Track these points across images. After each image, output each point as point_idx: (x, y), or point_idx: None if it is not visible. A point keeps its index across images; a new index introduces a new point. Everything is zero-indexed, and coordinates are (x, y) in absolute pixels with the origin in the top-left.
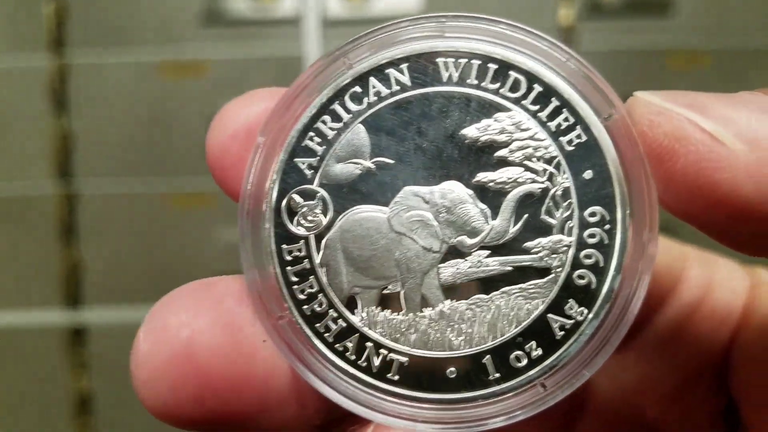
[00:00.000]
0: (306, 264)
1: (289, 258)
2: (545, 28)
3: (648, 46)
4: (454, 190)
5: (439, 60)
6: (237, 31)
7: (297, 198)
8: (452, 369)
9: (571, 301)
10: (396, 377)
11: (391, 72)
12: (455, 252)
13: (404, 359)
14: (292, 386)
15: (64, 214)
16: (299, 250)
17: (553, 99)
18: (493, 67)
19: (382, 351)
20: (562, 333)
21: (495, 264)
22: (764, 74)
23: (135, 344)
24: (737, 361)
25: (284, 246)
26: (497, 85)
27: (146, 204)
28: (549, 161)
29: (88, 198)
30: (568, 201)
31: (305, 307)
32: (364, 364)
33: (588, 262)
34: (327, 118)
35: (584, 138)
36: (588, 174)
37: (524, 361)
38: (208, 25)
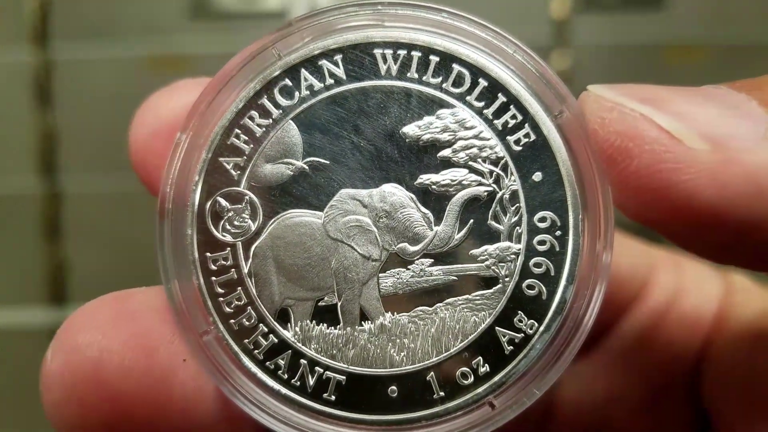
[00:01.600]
0: (233, 274)
1: (214, 267)
2: (539, 21)
3: (643, 40)
4: (394, 193)
5: (377, 51)
6: (224, 25)
7: (222, 201)
8: (393, 388)
9: (521, 313)
10: (333, 397)
11: (325, 64)
12: (396, 260)
13: (342, 377)
14: (220, 410)
15: (48, 211)
16: (225, 259)
17: (499, 95)
18: (434, 59)
19: (318, 369)
20: (511, 348)
21: (439, 273)
22: (761, 67)
23: (43, 362)
24: (711, 369)
25: (208, 254)
26: (439, 79)
27: (132, 201)
28: (495, 162)
29: (73, 195)
30: (516, 205)
31: (232, 321)
32: (298, 384)
33: (538, 271)
34: (255, 113)
35: (533, 137)
36: (537, 176)
37: (471, 378)
38: (194, 19)
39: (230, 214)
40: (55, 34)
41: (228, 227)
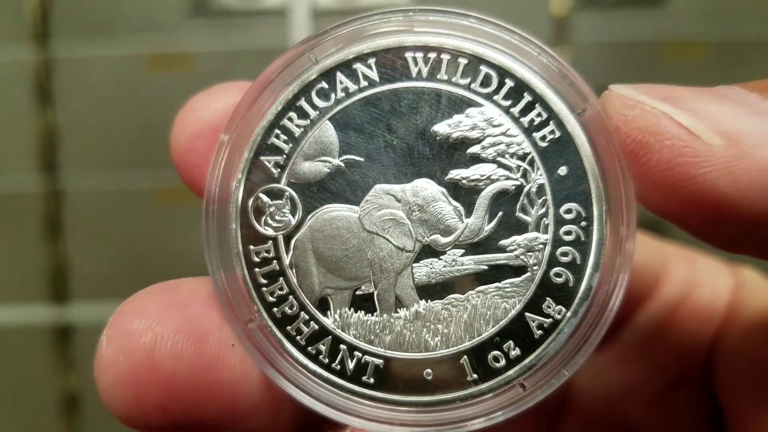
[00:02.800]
0: (275, 265)
1: (257, 259)
2: (539, 18)
3: (642, 36)
4: (426, 187)
5: (408, 55)
6: (224, 23)
7: (264, 197)
8: (429, 370)
9: (549, 300)
10: (371, 380)
11: (359, 67)
12: (429, 251)
13: (379, 361)
14: (264, 392)
15: (49, 209)
16: (267, 251)
17: (525, 94)
18: (463, 62)
19: (357, 353)
20: (541, 332)
21: (470, 263)
22: (759, 64)
23: (98, 347)
24: (722, 361)
25: (252, 247)
26: (468, 80)
27: (133, 199)
28: (522, 158)
29: (74, 193)
30: (543, 198)
31: (275, 309)
32: (338, 367)
33: (565, 259)
34: (293, 115)
35: (558, 134)
36: (563, 170)
37: (502, 362)
38: (194, 17)
39: (271, 209)
40: (56, 32)
41: (269, 221)
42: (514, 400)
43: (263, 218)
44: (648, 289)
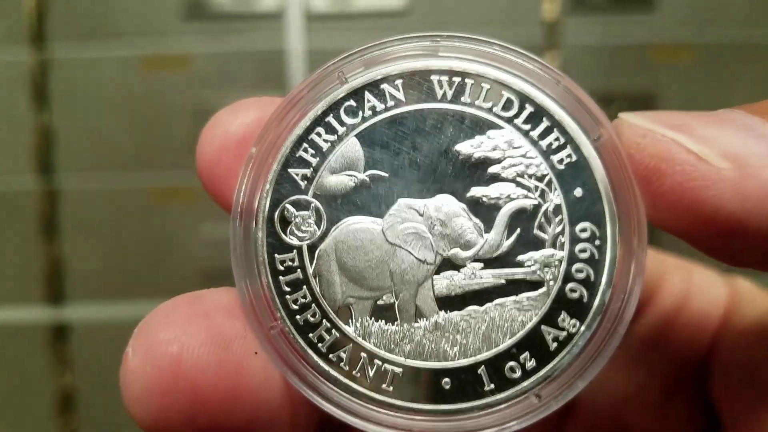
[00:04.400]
0: (299, 274)
1: (281, 268)
2: (530, 22)
3: (632, 40)
4: (448, 203)
5: (434, 78)
6: (219, 25)
7: (290, 208)
8: (447, 380)
9: (564, 314)
10: (391, 388)
11: (386, 87)
12: (449, 264)
13: (399, 370)
14: (285, 399)
15: (45, 209)
16: (292, 260)
17: (544, 119)
18: (486, 86)
19: (377, 361)
20: (556, 344)
21: (489, 276)
22: (747, 68)
23: (124, 359)
24: (718, 368)
25: (277, 255)
26: (490, 104)
27: (128, 199)
28: (540, 179)
29: (70, 193)
30: (560, 217)
31: (298, 317)
32: (359, 375)
33: (579, 276)
34: (321, 130)
35: (574, 158)
36: (578, 192)
37: (518, 372)
38: (190, 19)
39: (297, 220)
40: (52, 33)
41: (295, 231)
42: (528, 410)
43: (289, 228)
44: (646, 298)
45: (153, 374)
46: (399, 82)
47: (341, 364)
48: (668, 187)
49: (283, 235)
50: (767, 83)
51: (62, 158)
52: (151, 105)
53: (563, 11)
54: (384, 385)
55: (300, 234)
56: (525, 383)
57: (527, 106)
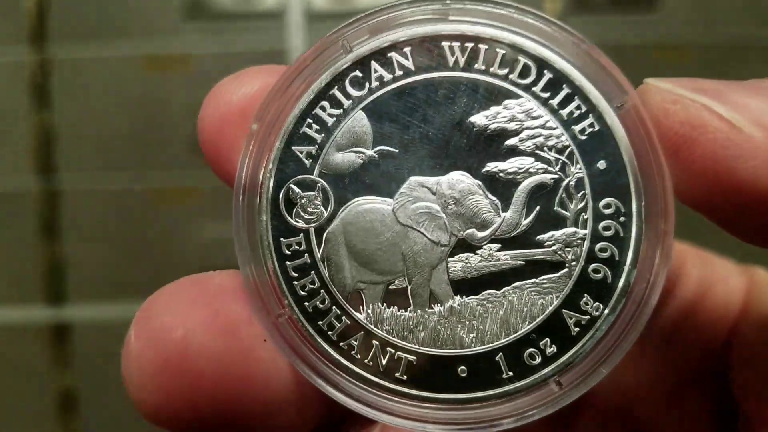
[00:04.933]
0: (306, 258)
1: (288, 252)
2: None
3: (633, 40)
4: (462, 180)
5: (445, 44)
6: (220, 25)
7: (296, 189)
8: (463, 368)
9: (587, 296)
10: (404, 377)
11: (394, 56)
12: (465, 245)
13: (413, 358)
14: (294, 388)
15: (46, 210)
16: (299, 244)
17: (564, 86)
18: (501, 52)
19: (389, 349)
20: (578, 329)
21: (506, 258)
22: (749, 68)
23: (126, 343)
24: (737, 358)
25: (283, 239)
26: (506, 71)
27: (129, 199)
28: (561, 151)
29: (71, 193)
30: (582, 192)
31: (306, 303)
32: (371, 363)
33: (603, 255)
34: (326, 104)
35: (597, 127)
36: (602, 164)
37: (538, 359)
38: (191, 19)
39: (303, 201)
40: (53, 33)
41: (301, 213)
42: (549, 399)
43: (294, 210)
44: (667, 290)
45: (156, 360)
46: (407, 49)
47: (352, 352)
48: (699, 155)
49: (289, 218)
50: None
51: (63, 158)
52: (151, 105)
53: (564, 11)
54: (397, 374)
55: (306, 216)
56: (545, 370)
57: (546, 72)
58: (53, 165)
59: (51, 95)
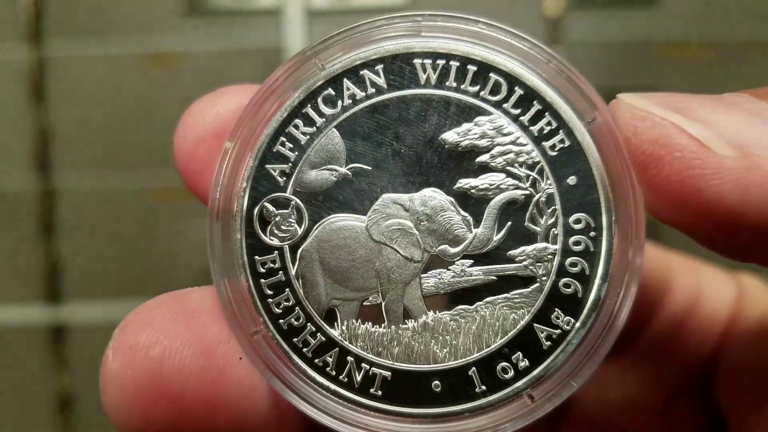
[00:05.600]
0: (281, 276)
1: (262, 270)
2: (533, 18)
3: (635, 36)
4: (435, 197)
5: (416, 61)
6: (218, 22)
7: (269, 207)
8: (437, 382)
9: (558, 311)
10: (379, 392)
11: (366, 74)
12: (438, 261)
13: (387, 373)
14: (272, 405)
15: (42, 209)
16: (273, 262)
17: (534, 102)
18: (472, 69)
19: (364, 365)
20: (549, 343)
21: (479, 273)
22: (751, 65)
23: (104, 361)
24: (725, 368)
25: (257, 257)
26: (477, 87)
27: (126, 198)
28: (532, 167)
29: (68, 193)
30: (552, 208)
31: (281, 321)
32: (346, 380)
33: (573, 270)
34: (299, 122)
35: (567, 143)
36: (572, 180)
37: (511, 373)
38: (188, 16)
39: (277, 219)
40: (49, 31)
41: (275, 231)
42: (522, 412)
43: (269, 228)
44: (657, 301)
45: (133, 379)
46: (379, 67)
47: (327, 368)
48: (666, 174)
49: (263, 236)
50: None
51: (59, 157)
52: (148, 102)
53: (566, 7)
54: (372, 390)
55: (281, 234)
56: (518, 384)
57: (517, 89)
58: (50, 163)
59: (47, 93)
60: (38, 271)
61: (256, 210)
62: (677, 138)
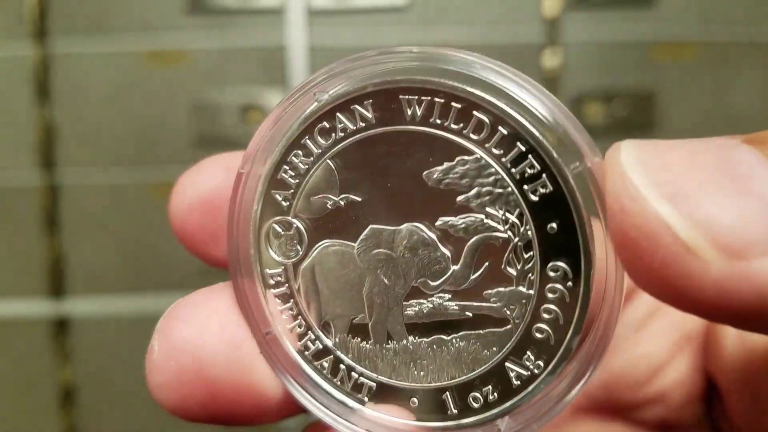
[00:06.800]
0: (286, 289)
1: (272, 282)
2: (530, 19)
3: (633, 37)
4: (417, 232)
5: (402, 97)
6: (221, 21)
7: (276, 228)
8: (414, 399)
9: (529, 353)
10: (366, 398)
11: (357, 108)
12: (418, 292)
13: (373, 384)
14: (287, 394)
15: (47, 204)
16: (280, 276)
17: (518, 144)
18: (456, 106)
19: (354, 374)
20: (518, 382)
21: (455, 308)
22: (749, 66)
23: (150, 351)
24: (718, 378)
25: (267, 270)
26: (461, 125)
27: (130, 194)
28: (512, 210)
29: (72, 188)
30: (531, 253)
31: (288, 325)
32: (339, 383)
33: (547, 316)
34: (299, 152)
35: (550, 188)
36: (552, 227)
37: (480, 403)
38: (191, 15)
39: (282, 240)
40: (54, 28)
41: (281, 250)
42: None
43: (276, 246)
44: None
45: (174, 368)
46: (369, 102)
47: (324, 371)
48: (645, 263)
49: (272, 253)
50: None
51: (64, 153)
52: (152, 100)
53: (564, 8)
54: (359, 395)
55: (285, 253)
56: (486, 414)
57: (500, 128)
58: (54, 159)
59: (52, 90)
60: (42, 266)
61: (265, 229)
62: (664, 237)
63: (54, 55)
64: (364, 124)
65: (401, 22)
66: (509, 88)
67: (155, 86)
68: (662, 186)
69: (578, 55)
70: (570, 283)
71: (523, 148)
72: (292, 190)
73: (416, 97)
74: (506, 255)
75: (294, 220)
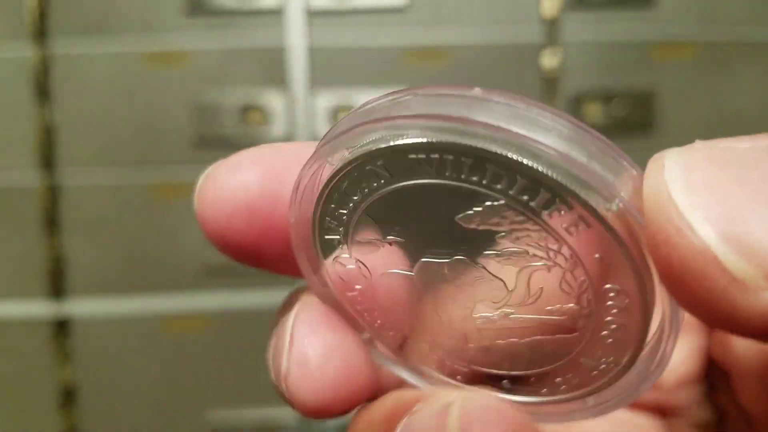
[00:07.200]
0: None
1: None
2: (529, 19)
3: (632, 37)
4: (467, 262)
5: (411, 156)
6: (221, 21)
7: (342, 257)
8: (506, 381)
9: (601, 351)
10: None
11: (372, 168)
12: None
13: (465, 369)
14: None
15: (47, 205)
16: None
17: (541, 189)
18: (467, 161)
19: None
20: (596, 372)
21: (522, 320)
22: (749, 66)
23: (202, 187)
24: (731, 366)
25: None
26: (477, 177)
27: (130, 195)
28: (552, 245)
29: (72, 189)
30: (582, 278)
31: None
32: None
33: (613, 327)
34: (333, 206)
35: (584, 226)
36: (597, 256)
37: (564, 386)
38: (191, 15)
39: (350, 267)
40: (54, 29)
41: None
42: (581, 408)
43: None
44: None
45: (227, 207)
46: (380, 162)
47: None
48: (689, 294)
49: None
50: None
51: (64, 153)
52: (152, 100)
53: (563, 8)
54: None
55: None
56: (575, 392)
57: (518, 177)
58: (54, 160)
59: (52, 90)
60: (42, 266)
61: (328, 263)
62: (710, 270)
63: (54, 56)
64: (383, 181)
65: (401, 22)
66: (525, 126)
67: (155, 87)
68: (716, 209)
69: (577, 55)
70: (627, 300)
71: (549, 194)
72: (341, 235)
73: (425, 156)
74: (559, 280)
75: (352, 258)
